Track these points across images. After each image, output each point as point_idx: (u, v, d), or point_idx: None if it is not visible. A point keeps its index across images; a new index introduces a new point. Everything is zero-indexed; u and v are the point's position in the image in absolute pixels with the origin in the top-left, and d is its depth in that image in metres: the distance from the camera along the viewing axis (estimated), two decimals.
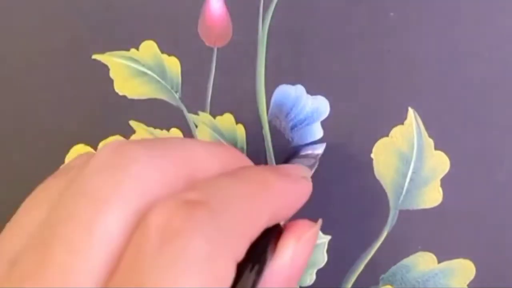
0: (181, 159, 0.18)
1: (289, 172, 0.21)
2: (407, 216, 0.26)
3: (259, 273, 0.18)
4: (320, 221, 0.21)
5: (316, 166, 0.24)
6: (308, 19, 0.26)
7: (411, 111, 0.26)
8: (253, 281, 0.17)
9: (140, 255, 0.15)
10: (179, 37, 0.26)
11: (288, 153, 0.26)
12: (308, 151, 0.25)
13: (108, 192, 0.16)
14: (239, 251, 0.17)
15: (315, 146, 0.25)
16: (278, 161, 0.26)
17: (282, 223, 0.20)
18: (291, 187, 0.20)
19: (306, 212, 0.26)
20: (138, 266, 0.15)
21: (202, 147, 0.19)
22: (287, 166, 0.23)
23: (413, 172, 0.25)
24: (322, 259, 0.26)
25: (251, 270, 0.17)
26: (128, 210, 0.16)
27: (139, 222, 0.16)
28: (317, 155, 0.25)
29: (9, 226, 0.17)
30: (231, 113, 0.26)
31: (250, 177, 0.19)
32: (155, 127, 0.27)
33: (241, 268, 0.17)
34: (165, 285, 0.15)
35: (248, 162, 0.21)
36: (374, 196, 0.26)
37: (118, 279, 0.15)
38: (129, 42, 0.26)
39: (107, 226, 0.15)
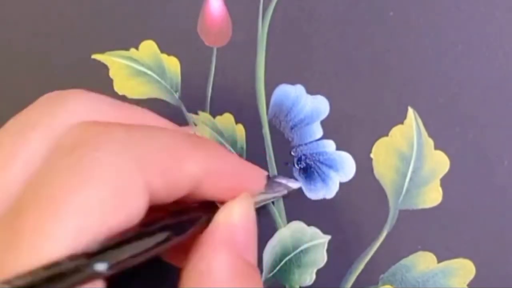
0: (118, 105, 0.19)
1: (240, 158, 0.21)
2: (407, 216, 0.25)
3: (182, 230, 0.18)
4: (245, 194, 0.20)
5: (283, 195, 0.25)
6: (308, 19, 0.26)
7: (411, 111, 0.26)
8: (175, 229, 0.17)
9: (51, 161, 0.16)
10: (179, 37, 0.26)
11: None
12: (283, 180, 0.25)
13: (39, 120, 0.17)
14: (152, 178, 0.16)
15: (291, 180, 0.25)
16: (278, 161, 0.26)
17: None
18: (233, 158, 0.20)
19: (306, 211, 0.26)
20: (47, 170, 0.15)
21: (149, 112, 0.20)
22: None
23: (413, 172, 0.25)
24: (322, 259, 0.26)
25: (175, 226, 0.17)
26: (52, 134, 0.17)
27: None
28: (290, 187, 0.25)
29: None
30: (231, 113, 0.26)
31: (186, 134, 0.19)
32: None
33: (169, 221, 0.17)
34: (69, 183, 0.15)
35: None
36: (374, 196, 0.26)
37: (28, 186, 0.16)
38: (129, 42, 0.26)
39: (29, 146, 0.16)
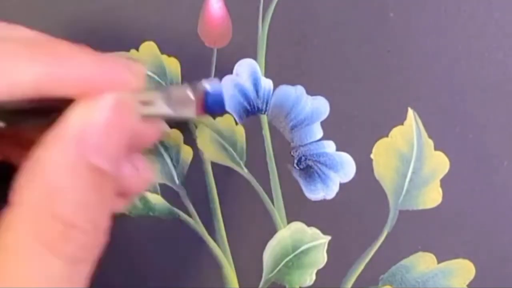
0: None
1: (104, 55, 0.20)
2: (407, 216, 0.26)
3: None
4: (107, 95, 0.19)
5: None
6: (308, 19, 0.26)
7: (410, 112, 0.26)
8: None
9: None
10: (179, 38, 0.26)
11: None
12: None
13: None
14: None
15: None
16: (278, 162, 0.26)
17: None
18: (82, 56, 0.19)
19: (306, 212, 0.26)
20: None
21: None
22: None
23: (413, 173, 0.26)
24: (322, 259, 0.26)
25: None
26: None
27: None
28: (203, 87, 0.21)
29: None
30: (231, 114, 0.26)
31: (32, 39, 0.20)
32: None
33: None
34: None
35: None
36: (374, 196, 0.26)
37: None
38: (129, 43, 0.26)
39: None
